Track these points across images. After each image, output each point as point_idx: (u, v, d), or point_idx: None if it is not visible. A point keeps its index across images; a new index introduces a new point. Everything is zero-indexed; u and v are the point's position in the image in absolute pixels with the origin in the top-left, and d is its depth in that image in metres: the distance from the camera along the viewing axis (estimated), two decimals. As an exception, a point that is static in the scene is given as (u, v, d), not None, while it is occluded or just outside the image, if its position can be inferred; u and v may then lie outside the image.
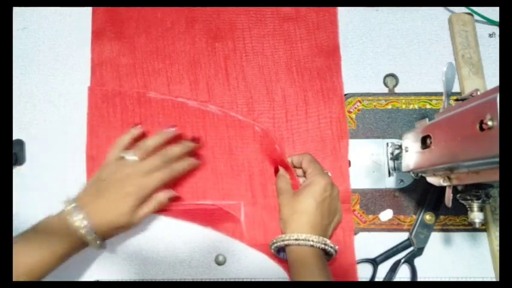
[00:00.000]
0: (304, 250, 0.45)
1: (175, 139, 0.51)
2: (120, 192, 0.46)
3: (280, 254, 0.49)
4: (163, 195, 0.48)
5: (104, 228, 0.45)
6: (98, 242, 0.45)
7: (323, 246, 0.45)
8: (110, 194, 0.46)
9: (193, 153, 0.52)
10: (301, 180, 0.51)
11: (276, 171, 0.52)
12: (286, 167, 0.51)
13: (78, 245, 0.45)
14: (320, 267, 0.44)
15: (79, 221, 0.44)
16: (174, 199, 0.51)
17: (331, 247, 0.46)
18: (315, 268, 0.44)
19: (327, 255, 0.47)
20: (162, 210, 0.52)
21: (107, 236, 0.46)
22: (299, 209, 0.47)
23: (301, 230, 0.46)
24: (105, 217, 0.45)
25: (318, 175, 0.48)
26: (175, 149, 0.49)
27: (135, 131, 0.51)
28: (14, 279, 0.40)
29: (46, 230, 0.44)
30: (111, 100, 0.54)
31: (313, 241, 0.45)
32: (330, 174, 0.50)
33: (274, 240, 0.47)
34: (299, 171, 0.52)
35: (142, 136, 0.51)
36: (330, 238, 0.49)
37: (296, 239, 0.45)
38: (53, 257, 0.43)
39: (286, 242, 0.46)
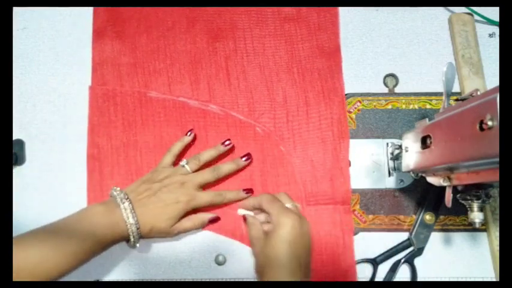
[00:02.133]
0: None
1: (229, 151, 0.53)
2: (172, 198, 0.47)
3: None
4: (207, 216, 0.50)
5: (147, 228, 0.46)
6: (137, 239, 0.46)
7: None
8: (163, 196, 0.47)
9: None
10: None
11: (244, 219, 0.50)
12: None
13: (118, 238, 0.46)
14: None
15: (128, 215, 0.45)
16: None
17: None
18: None
19: None
20: None
21: (144, 236, 0.47)
22: (272, 255, 0.43)
23: (279, 277, 0.42)
24: (152, 218, 0.46)
25: (282, 215, 0.44)
26: (228, 167, 0.51)
27: (187, 139, 0.52)
28: (54, 265, 0.41)
29: (91, 219, 0.44)
30: (112, 99, 0.54)
31: None
32: (297, 205, 0.49)
33: None
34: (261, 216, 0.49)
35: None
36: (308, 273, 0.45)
37: None
38: (95, 246, 0.44)
39: None
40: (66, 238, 0.42)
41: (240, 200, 0.51)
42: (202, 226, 0.51)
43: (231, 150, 0.53)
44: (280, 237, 0.43)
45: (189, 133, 0.52)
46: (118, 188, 0.48)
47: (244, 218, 0.50)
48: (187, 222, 0.49)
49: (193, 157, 0.51)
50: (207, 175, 0.50)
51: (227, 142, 0.52)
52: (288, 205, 0.48)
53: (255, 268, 0.47)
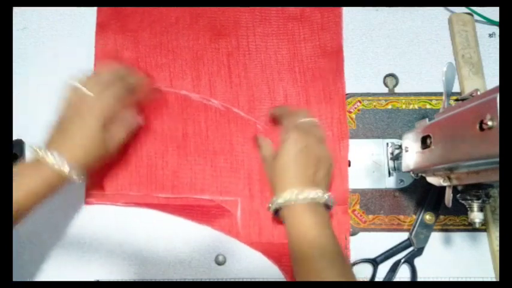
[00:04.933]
0: (294, 209, 0.44)
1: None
2: (80, 117, 0.44)
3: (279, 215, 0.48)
4: (129, 113, 0.48)
5: (79, 157, 0.43)
6: (76, 175, 0.43)
7: (309, 200, 0.44)
8: (72, 121, 0.44)
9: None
10: None
11: (254, 140, 0.52)
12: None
13: (55, 182, 0.43)
14: (309, 223, 0.43)
15: (51, 157, 0.42)
16: (172, 190, 0.52)
17: (320, 196, 0.44)
18: (304, 224, 0.43)
19: (325, 206, 0.46)
20: (160, 205, 0.52)
21: (84, 166, 0.44)
22: (278, 170, 0.46)
23: (287, 187, 0.45)
24: (76, 146, 0.43)
25: (288, 130, 0.47)
26: (131, 78, 0.49)
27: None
28: None
29: (17, 174, 0.42)
30: None
31: (297, 198, 0.43)
32: (314, 120, 0.50)
33: (269, 205, 0.47)
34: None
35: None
36: (326, 188, 0.48)
37: (281, 202, 0.44)
38: (27, 198, 0.42)
39: (274, 207, 0.46)
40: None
41: (140, 83, 0.50)
42: (133, 123, 0.49)
43: (231, 144, 0.53)
44: (284, 150, 0.46)
45: None
46: (35, 146, 0.44)
47: (254, 139, 0.52)
48: (114, 129, 0.46)
49: (90, 78, 0.47)
50: (104, 76, 0.46)
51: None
52: (302, 120, 0.49)
53: (269, 182, 0.49)
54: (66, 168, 0.43)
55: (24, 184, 0.42)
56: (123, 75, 0.48)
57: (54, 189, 0.44)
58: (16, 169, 0.43)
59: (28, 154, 0.54)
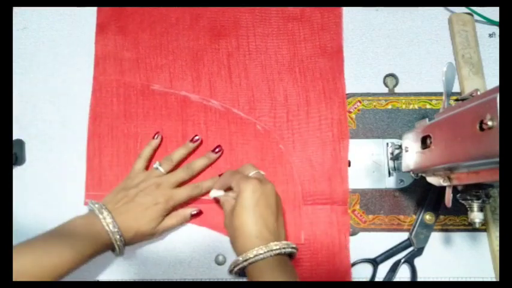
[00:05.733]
0: (260, 268, 0.41)
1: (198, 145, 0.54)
2: (150, 200, 0.47)
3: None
4: (188, 211, 0.50)
5: (130, 234, 0.46)
6: (121, 247, 0.46)
7: (276, 251, 0.41)
8: (141, 200, 0.47)
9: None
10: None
11: (218, 201, 0.50)
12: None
13: (101, 248, 0.45)
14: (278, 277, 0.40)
15: (108, 224, 0.45)
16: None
17: (284, 248, 0.42)
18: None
19: (289, 255, 0.44)
20: None
21: (129, 242, 0.47)
22: (238, 225, 0.43)
23: (249, 245, 0.42)
24: (134, 223, 0.46)
25: (241, 182, 0.44)
26: (200, 162, 0.52)
27: (155, 142, 0.53)
28: (34, 279, 0.40)
29: (71, 231, 0.44)
30: (115, 90, 0.55)
31: (262, 253, 0.41)
32: (262, 172, 0.48)
33: (233, 267, 0.43)
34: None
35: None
36: (285, 231, 0.46)
37: (245, 260, 0.41)
38: (76, 258, 0.43)
39: (238, 267, 0.42)
40: (44, 253, 0.41)
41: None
42: (186, 221, 0.51)
43: (230, 145, 0.53)
44: (242, 204, 0.43)
45: (156, 136, 0.53)
46: (94, 201, 0.47)
47: (217, 200, 0.50)
48: (170, 219, 0.49)
49: (165, 158, 0.51)
50: (180, 173, 0.50)
51: (196, 137, 0.53)
52: (252, 173, 0.48)
53: (230, 242, 0.46)
54: (117, 241, 0.45)
55: (76, 247, 0.43)
56: (197, 171, 0.52)
57: (99, 254, 0.46)
58: (71, 227, 0.45)
59: (28, 154, 0.54)
